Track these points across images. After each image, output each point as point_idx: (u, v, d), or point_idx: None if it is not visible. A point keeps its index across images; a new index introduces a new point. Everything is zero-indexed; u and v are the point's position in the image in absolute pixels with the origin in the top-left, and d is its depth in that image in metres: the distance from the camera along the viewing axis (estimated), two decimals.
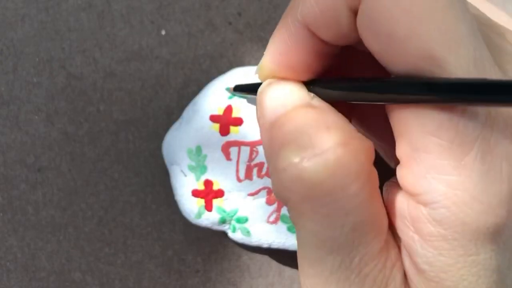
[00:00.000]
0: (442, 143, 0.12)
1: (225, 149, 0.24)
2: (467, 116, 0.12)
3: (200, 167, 0.24)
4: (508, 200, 0.12)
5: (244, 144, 0.24)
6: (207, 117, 0.24)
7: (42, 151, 0.27)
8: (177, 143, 0.25)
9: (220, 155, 0.24)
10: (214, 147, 0.24)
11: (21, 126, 0.27)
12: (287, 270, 0.28)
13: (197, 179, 0.24)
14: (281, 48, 0.15)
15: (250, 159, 0.24)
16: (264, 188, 0.24)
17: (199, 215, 0.25)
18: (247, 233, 0.25)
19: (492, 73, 0.12)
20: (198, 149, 0.24)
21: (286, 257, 0.27)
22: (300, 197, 0.14)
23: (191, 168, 0.24)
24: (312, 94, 0.15)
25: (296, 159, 0.14)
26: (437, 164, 0.12)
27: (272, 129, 0.15)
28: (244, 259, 0.28)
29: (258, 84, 0.21)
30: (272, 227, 0.24)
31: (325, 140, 0.13)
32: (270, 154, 0.15)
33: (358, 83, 0.14)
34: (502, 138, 0.12)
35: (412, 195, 0.13)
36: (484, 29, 0.14)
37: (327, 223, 0.13)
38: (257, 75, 0.17)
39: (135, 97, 0.27)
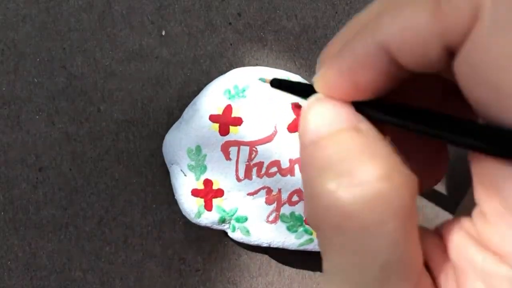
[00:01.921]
0: None
1: (225, 148, 0.24)
2: None
3: (200, 167, 0.24)
4: None
5: (244, 144, 0.24)
6: (207, 117, 0.24)
7: (43, 151, 0.27)
8: (177, 143, 0.25)
9: (219, 154, 0.24)
10: (214, 146, 0.24)
11: (22, 126, 0.27)
12: (287, 269, 0.28)
13: (197, 178, 0.25)
14: (352, 64, 0.14)
15: (250, 158, 0.24)
16: (263, 188, 0.24)
17: (199, 214, 0.25)
18: (247, 232, 0.25)
19: None
20: (198, 149, 0.24)
21: (286, 256, 0.27)
22: (332, 227, 0.13)
23: (191, 168, 0.25)
24: (360, 116, 0.14)
25: (332, 186, 0.13)
26: None
27: (313, 150, 0.14)
28: (243, 258, 0.28)
29: (300, 85, 0.20)
30: (272, 226, 0.24)
31: (367, 171, 0.13)
32: (307, 177, 0.14)
33: (429, 116, 0.13)
34: None
35: (494, 253, 0.12)
36: None
37: (356, 258, 0.13)
38: (314, 83, 0.16)
39: (135, 97, 0.27)
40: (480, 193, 0.13)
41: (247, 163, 0.24)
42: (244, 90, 0.24)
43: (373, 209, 0.13)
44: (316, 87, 0.15)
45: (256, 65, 0.27)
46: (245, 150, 0.24)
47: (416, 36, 0.13)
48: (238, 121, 0.24)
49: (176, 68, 0.27)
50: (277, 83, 0.20)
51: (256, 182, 0.24)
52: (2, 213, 0.27)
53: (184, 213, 0.25)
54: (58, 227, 0.27)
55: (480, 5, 0.11)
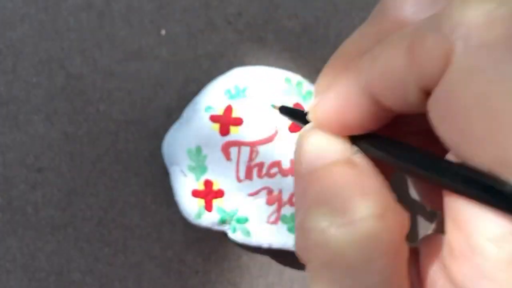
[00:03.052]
0: (502, 256, 0.11)
1: (225, 149, 0.24)
2: None
3: (200, 167, 0.24)
4: None
5: (244, 144, 0.24)
6: (207, 117, 0.24)
7: (42, 151, 0.27)
8: (177, 143, 0.25)
9: (220, 155, 0.24)
10: (214, 147, 0.24)
11: (21, 126, 0.27)
12: (288, 271, 0.28)
13: (197, 179, 0.24)
14: (337, 105, 0.14)
15: (250, 159, 0.24)
16: (264, 189, 0.24)
17: (199, 215, 0.24)
18: (247, 233, 0.24)
19: None
20: (198, 149, 0.24)
21: (287, 258, 0.27)
22: (320, 263, 0.13)
23: (191, 169, 0.24)
24: (355, 148, 0.14)
25: (324, 224, 0.13)
26: (493, 275, 0.11)
27: (307, 181, 0.14)
28: (244, 259, 0.28)
29: (305, 114, 0.20)
30: (273, 227, 0.24)
31: (359, 209, 0.13)
32: (299, 207, 0.14)
33: (411, 154, 0.13)
34: None
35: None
36: None
37: None
38: (308, 114, 0.16)
39: (135, 97, 0.27)
40: (449, 226, 0.13)
41: (248, 163, 0.24)
42: (244, 90, 0.24)
43: (363, 248, 0.12)
44: (310, 118, 0.15)
45: (257, 65, 0.27)
46: (245, 150, 0.24)
47: (395, 80, 0.13)
48: (238, 121, 0.24)
49: (176, 68, 0.27)
50: (284, 110, 0.21)
51: (257, 183, 0.24)
52: (1, 214, 0.27)
53: (184, 214, 0.25)
54: (57, 228, 0.27)
55: (452, 50, 0.11)
